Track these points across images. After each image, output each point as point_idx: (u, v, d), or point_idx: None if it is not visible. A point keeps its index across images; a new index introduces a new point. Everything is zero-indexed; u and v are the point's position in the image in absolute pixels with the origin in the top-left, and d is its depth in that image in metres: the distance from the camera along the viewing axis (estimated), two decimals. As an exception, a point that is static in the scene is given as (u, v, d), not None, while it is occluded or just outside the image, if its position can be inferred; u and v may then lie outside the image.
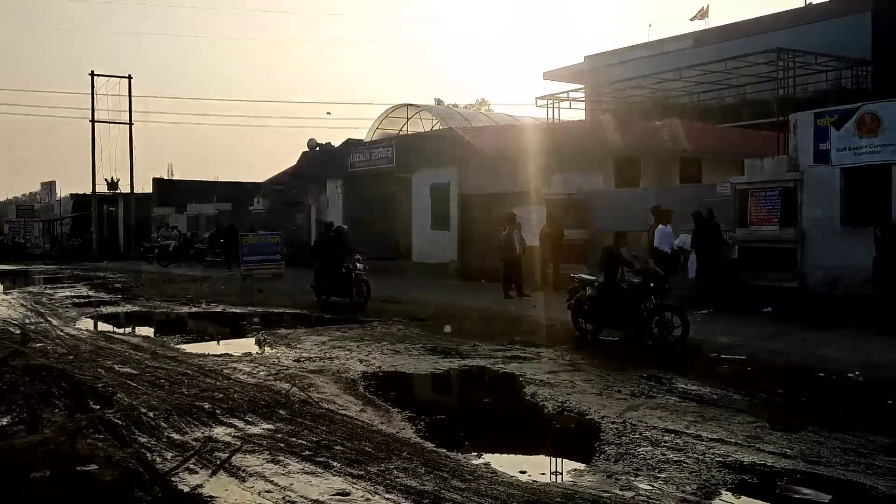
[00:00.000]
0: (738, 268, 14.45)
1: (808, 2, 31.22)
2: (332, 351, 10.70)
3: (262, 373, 9.12)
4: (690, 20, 33.97)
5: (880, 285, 12.17)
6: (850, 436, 6.21)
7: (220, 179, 45.84)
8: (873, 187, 12.95)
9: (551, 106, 21.42)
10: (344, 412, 7.19)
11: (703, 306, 13.65)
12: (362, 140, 29.91)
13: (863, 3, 23.71)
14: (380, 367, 9.55)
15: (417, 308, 15.38)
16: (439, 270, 23.01)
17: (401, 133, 29.10)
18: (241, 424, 6.81)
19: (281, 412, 7.19)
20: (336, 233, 16.78)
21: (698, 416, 6.92)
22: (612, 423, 6.73)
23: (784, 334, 11.19)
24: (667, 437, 6.25)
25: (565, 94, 22.12)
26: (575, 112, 27.46)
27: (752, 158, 15.21)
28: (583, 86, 26.46)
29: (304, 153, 31.03)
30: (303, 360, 10.02)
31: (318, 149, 30.67)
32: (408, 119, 29.59)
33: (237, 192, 40.69)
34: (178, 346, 11.55)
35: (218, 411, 7.26)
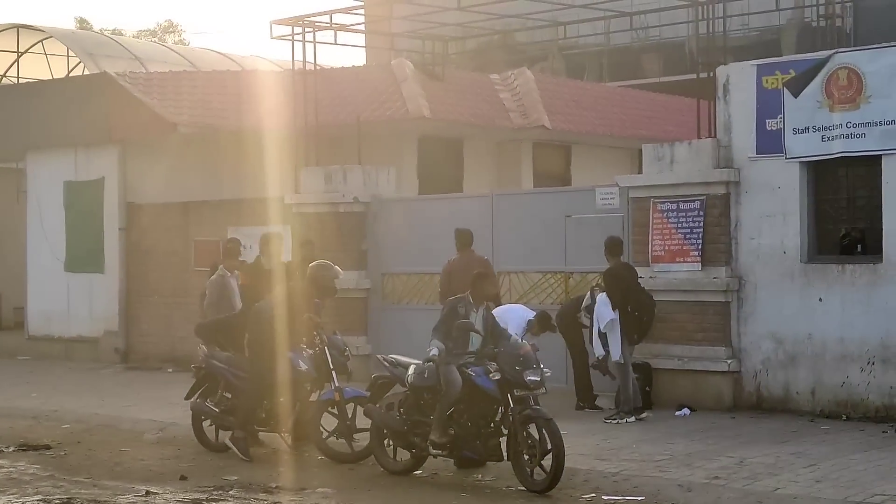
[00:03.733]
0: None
1: None
2: None
3: None
4: None
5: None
6: None
7: None
8: (850, 194, 14.20)
9: (301, 39, 21.57)
10: None
11: (629, 410, 14.17)
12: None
13: None
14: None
15: (35, 425, 15.52)
16: (83, 351, 22.78)
17: (4, 82, 28.70)
18: None
19: None
20: None
21: None
22: None
23: (708, 455, 11.86)
24: None
25: (327, 19, 22.36)
26: (346, 52, 27.75)
27: (655, 143, 16.16)
28: (360, 2, 26.94)
29: None
30: None
31: None
32: (19, 54, 29.43)
33: None
34: None
35: None
